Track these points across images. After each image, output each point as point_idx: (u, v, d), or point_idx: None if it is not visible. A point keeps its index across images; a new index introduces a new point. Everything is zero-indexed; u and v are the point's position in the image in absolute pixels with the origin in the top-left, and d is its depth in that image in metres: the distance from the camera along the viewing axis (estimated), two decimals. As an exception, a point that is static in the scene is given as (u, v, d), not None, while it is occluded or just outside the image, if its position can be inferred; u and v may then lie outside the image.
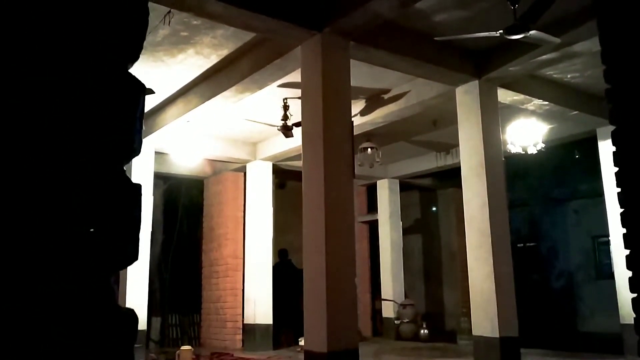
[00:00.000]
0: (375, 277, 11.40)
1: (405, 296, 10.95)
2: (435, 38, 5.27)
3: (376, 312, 11.48)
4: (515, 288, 6.07)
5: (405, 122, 7.73)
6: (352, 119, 5.20)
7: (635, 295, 1.73)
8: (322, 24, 5.01)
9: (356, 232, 6.79)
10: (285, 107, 7.18)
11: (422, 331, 10.33)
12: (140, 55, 1.20)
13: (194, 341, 10.30)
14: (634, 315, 1.75)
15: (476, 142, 6.22)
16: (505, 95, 6.69)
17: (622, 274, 7.47)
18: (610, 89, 1.83)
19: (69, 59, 1.07)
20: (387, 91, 7.17)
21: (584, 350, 8.29)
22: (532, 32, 4.65)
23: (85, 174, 1.05)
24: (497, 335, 5.71)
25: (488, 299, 5.84)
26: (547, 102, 7.04)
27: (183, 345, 8.49)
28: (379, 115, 7.38)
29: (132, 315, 1.09)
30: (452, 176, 9.16)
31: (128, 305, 6.50)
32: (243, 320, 9.51)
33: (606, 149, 7.86)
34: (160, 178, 10.15)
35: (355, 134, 5.40)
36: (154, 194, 9.00)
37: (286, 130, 7.19)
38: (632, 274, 1.72)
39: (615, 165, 1.80)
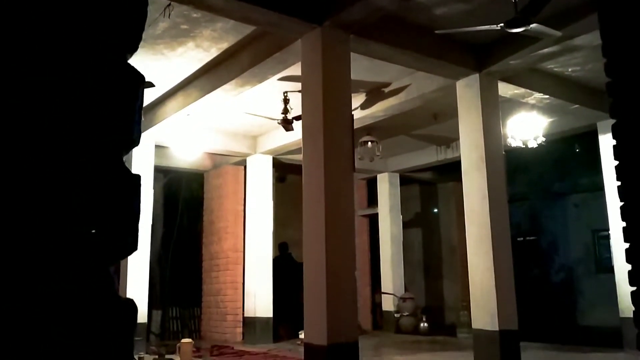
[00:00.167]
0: (375, 271, 11.43)
1: (405, 290, 10.98)
2: (436, 31, 5.25)
3: (376, 305, 11.51)
4: (515, 282, 6.08)
5: (406, 115, 7.72)
6: (353, 112, 5.19)
7: (634, 288, 1.73)
8: (322, 17, 4.99)
9: (356, 226, 6.80)
10: (286, 101, 7.18)
11: (422, 324, 10.36)
12: (140, 49, 1.20)
13: (195, 334, 10.34)
14: (634, 309, 1.75)
15: (476, 135, 6.21)
16: (505, 89, 6.69)
17: (621, 268, 7.48)
18: (611, 82, 1.83)
19: (67, 50, 1.06)
20: (387, 85, 7.16)
21: (584, 343, 8.31)
22: (533, 25, 4.64)
23: (85, 165, 1.05)
24: (497, 329, 5.73)
25: (488, 292, 5.85)
26: (547, 96, 7.03)
27: (183, 338, 8.50)
28: (379, 108, 7.37)
29: (131, 304, 1.09)
30: (452, 170, 9.16)
31: (128, 298, 6.50)
32: (243, 313, 9.54)
33: (607, 142, 7.86)
34: (161, 171, 10.16)
35: (355, 127, 5.38)
36: (154, 187, 9.00)
37: (286, 124, 7.18)
38: (632, 267, 1.72)
39: (615, 158, 1.80)
